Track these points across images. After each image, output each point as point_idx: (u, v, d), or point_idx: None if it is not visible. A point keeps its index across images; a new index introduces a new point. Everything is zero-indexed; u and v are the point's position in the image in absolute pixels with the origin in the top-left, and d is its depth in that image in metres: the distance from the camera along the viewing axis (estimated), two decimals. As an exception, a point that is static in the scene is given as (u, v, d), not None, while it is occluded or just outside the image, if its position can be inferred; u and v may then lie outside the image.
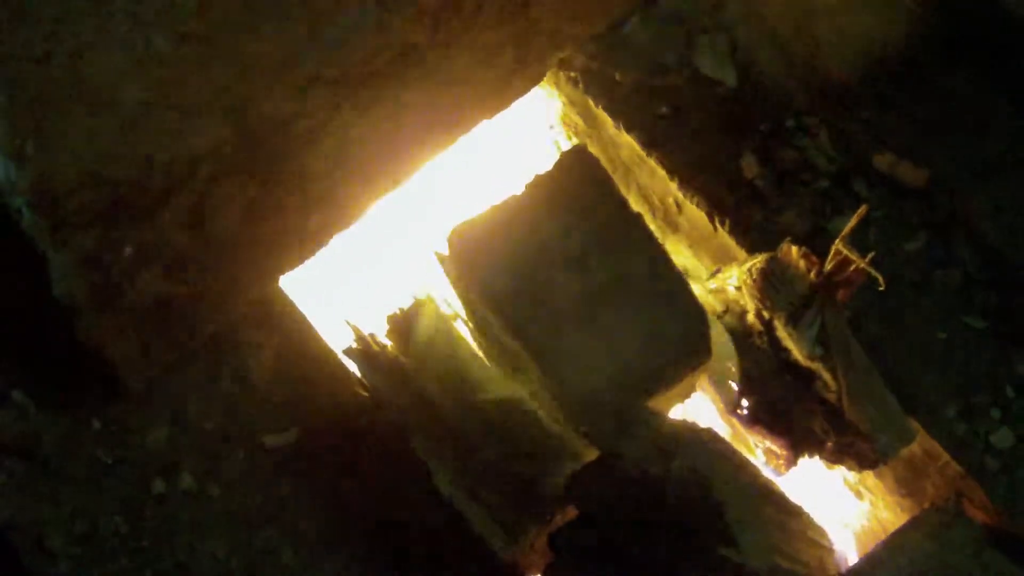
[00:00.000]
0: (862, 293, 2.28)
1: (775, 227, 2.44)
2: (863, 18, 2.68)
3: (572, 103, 2.56)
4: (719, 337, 2.23)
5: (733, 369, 2.25)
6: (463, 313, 2.19)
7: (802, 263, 2.25)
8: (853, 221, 2.20)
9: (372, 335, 2.19)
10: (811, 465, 2.31)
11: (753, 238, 2.41)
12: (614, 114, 2.52)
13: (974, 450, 2.32)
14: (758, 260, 2.25)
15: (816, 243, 2.32)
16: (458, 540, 2.11)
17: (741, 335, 2.27)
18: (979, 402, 2.36)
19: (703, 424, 2.16)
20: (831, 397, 2.22)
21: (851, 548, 2.44)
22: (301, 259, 2.17)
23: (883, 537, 2.31)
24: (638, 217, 2.19)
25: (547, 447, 2.14)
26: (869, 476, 2.36)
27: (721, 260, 2.42)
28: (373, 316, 2.26)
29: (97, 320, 1.95)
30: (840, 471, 2.37)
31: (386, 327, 2.19)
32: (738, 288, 2.27)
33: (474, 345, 2.21)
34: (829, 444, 2.25)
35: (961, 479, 2.29)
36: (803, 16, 2.66)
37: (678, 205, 2.46)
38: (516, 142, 2.56)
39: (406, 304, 2.20)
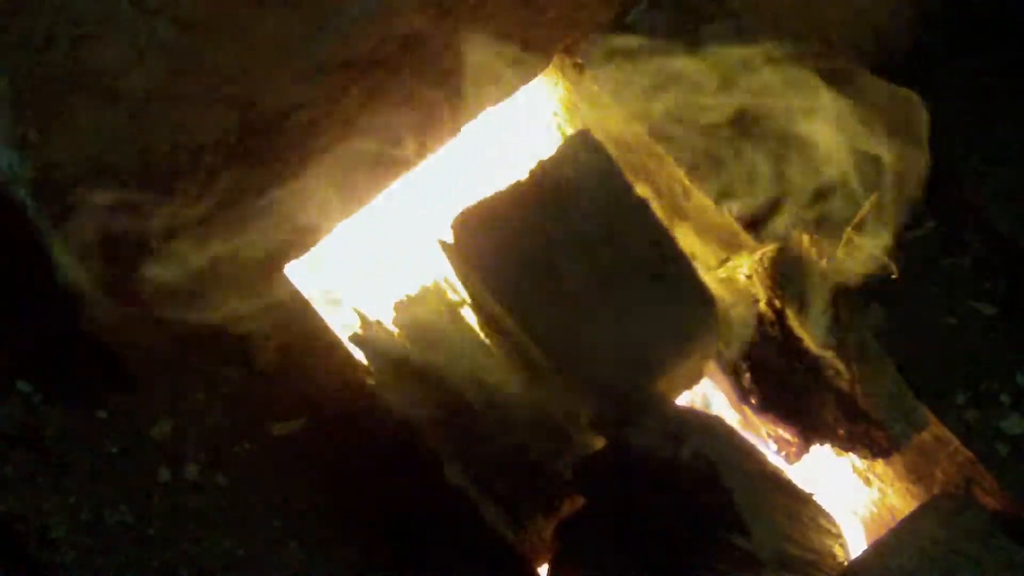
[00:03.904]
0: (872, 281, 2.27)
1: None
2: (871, 3, 2.66)
3: (577, 90, 2.54)
4: (728, 324, 2.22)
5: (743, 356, 2.24)
6: (469, 301, 2.18)
7: (813, 251, 2.23)
8: (865, 209, 2.19)
9: (379, 322, 2.18)
10: (819, 452, 2.31)
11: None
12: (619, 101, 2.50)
13: (984, 436, 2.31)
14: (769, 248, 2.24)
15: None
16: (468, 530, 2.10)
17: (752, 324, 2.26)
18: (989, 388, 2.35)
19: (711, 411, 2.15)
20: (843, 385, 2.21)
21: (860, 535, 2.43)
22: (306, 247, 2.16)
23: (892, 524, 2.30)
24: (644, 202, 2.18)
25: (554, 435, 2.14)
26: (878, 463, 2.35)
27: (729, 247, 2.40)
28: (380, 303, 2.25)
29: (102, 309, 1.95)
30: (848, 458, 2.36)
31: (393, 314, 2.18)
32: (749, 277, 2.26)
33: (480, 333, 2.20)
34: (841, 432, 2.24)
35: (971, 465, 2.28)
36: (810, 2, 2.65)
37: (685, 192, 2.45)
38: (520, 129, 2.54)
39: (413, 291, 2.19)
